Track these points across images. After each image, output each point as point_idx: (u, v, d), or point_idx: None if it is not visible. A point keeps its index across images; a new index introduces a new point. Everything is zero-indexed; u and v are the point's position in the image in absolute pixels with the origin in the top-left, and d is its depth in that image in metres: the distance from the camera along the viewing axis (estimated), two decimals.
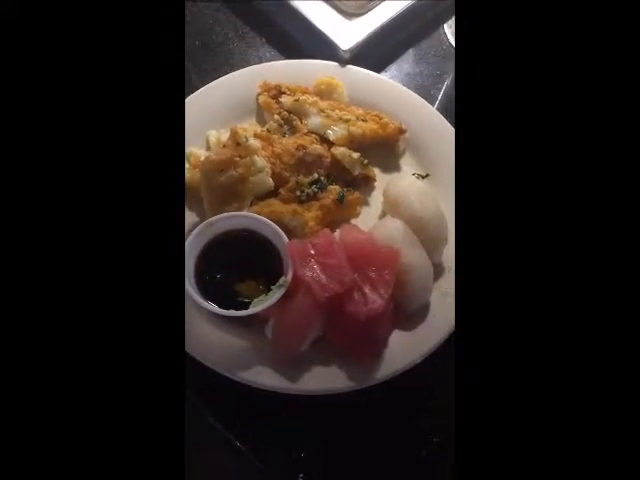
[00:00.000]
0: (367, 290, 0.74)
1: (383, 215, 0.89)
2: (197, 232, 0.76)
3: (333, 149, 0.89)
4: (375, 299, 0.74)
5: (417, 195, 0.83)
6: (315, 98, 0.93)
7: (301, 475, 0.74)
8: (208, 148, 0.91)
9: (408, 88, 0.98)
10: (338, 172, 0.89)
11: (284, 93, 0.93)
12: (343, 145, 0.89)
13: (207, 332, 0.76)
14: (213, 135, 0.90)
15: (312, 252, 0.75)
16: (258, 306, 0.73)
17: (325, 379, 0.75)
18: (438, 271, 0.83)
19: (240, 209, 0.81)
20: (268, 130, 0.90)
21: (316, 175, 0.86)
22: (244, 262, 0.78)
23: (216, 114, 0.92)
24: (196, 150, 0.88)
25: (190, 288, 0.72)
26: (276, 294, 0.73)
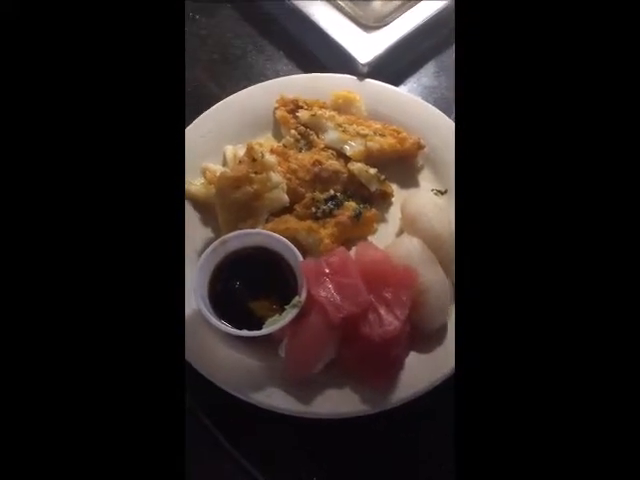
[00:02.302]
0: (383, 311, 0.72)
1: (401, 232, 0.86)
2: (211, 250, 0.75)
3: (350, 165, 0.87)
4: (391, 321, 0.72)
5: (435, 212, 0.81)
6: (332, 112, 0.91)
7: None
8: (225, 163, 0.90)
9: (427, 102, 0.96)
10: (355, 188, 0.88)
11: (301, 107, 0.92)
12: (360, 160, 0.88)
13: (219, 351, 0.75)
14: (230, 150, 0.90)
15: (327, 271, 0.73)
16: (272, 326, 0.71)
17: (338, 402, 0.73)
18: None
19: (255, 226, 0.80)
20: (284, 145, 0.89)
21: (332, 191, 0.85)
22: (258, 280, 0.77)
23: (233, 129, 0.92)
24: (212, 165, 0.88)
25: (203, 306, 0.71)
26: (290, 314, 0.71)
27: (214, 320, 0.71)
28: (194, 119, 0.91)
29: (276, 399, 0.72)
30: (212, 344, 0.76)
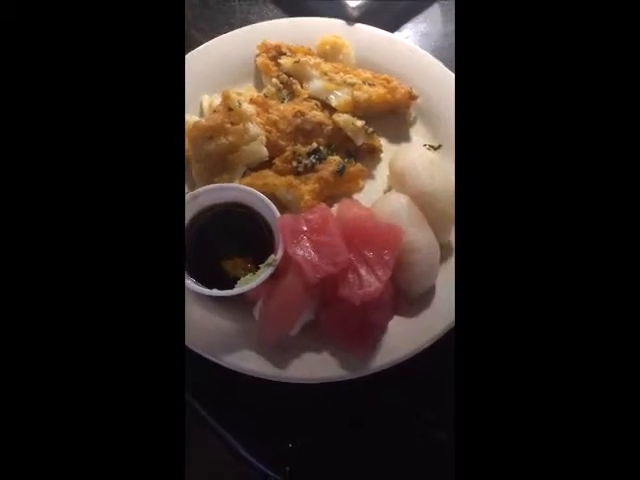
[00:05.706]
0: (363, 272, 0.68)
1: (389, 190, 0.81)
2: None
3: (335, 116, 0.81)
4: (372, 282, 0.67)
5: (426, 168, 0.75)
6: (318, 60, 0.85)
7: (287, 468, 0.69)
8: (202, 114, 0.84)
9: (425, 50, 0.89)
10: (340, 142, 0.82)
11: (284, 54, 0.86)
12: (346, 111, 0.82)
13: (189, 311, 0.71)
14: (206, 100, 0.84)
15: (305, 228, 0.68)
16: (244, 286, 0.67)
17: (316, 367, 0.69)
18: (446, 252, 0.75)
19: (231, 180, 0.75)
20: (265, 95, 0.83)
21: (315, 144, 0.79)
22: (232, 238, 0.72)
23: (211, 77, 0.85)
24: (188, 116, 0.82)
25: None
26: (264, 273, 0.67)
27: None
28: None
29: (251, 363, 0.69)
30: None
